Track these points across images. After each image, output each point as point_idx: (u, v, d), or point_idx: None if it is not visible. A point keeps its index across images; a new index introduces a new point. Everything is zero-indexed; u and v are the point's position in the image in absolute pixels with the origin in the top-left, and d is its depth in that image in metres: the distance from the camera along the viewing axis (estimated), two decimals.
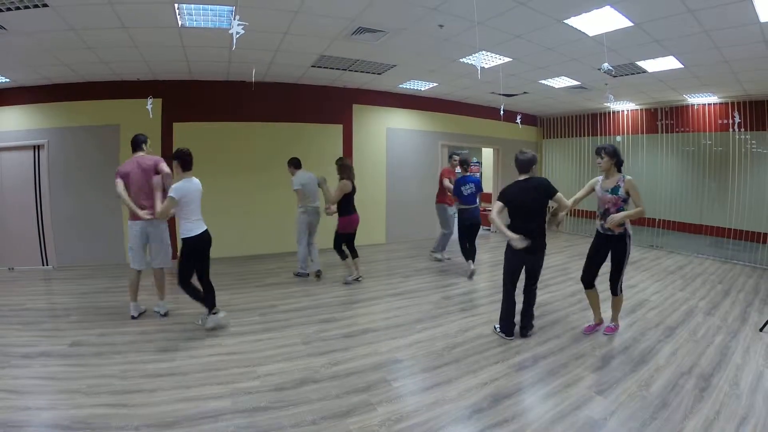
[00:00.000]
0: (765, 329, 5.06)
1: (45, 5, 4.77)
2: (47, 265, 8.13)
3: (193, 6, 5.16)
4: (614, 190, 4.61)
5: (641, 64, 7.47)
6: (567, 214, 4.97)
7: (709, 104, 10.21)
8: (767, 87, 8.49)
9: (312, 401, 3.51)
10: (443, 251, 8.91)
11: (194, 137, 8.49)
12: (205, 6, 5.16)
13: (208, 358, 4.29)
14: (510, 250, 4.70)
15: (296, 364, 4.19)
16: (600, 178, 4.81)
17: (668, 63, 7.30)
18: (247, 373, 3.99)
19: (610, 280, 4.90)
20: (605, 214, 4.71)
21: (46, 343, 4.58)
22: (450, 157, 8.78)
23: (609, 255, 4.87)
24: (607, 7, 5.17)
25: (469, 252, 7.70)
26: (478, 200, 7.77)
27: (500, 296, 5.40)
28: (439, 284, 7.16)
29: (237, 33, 3.94)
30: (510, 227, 4.61)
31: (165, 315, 5.50)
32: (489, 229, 13.39)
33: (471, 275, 7.55)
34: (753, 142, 9.57)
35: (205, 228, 4.99)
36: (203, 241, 4.97)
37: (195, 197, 4.89)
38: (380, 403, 3.49)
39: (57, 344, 4.55)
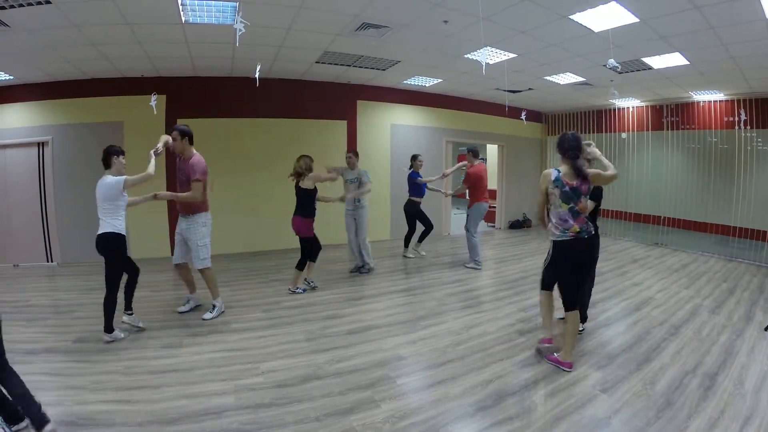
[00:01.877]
0: None
1: (48, 2, 4.78)
2: (51, 261, 8.15)
3: (196, 2, 5.15)
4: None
5: (647, 60, 7.43)
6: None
7: (715, 101, 10.16)
8: None
9: (315, 398, 3.51)
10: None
11: (198, 133, 8.38)
12: (209, 2, 5.16)
13: (212, 355, 4.30)
14: None
15: (299, 361, 4.19)
16: (556, 173, 4.03)
17: (674, 59, 7.26)
18: (250, 370, 3.99)
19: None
20: (575, 211, 3.94)
21: (51, 339, 4.60)
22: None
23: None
24: (613, 3, 5.15)
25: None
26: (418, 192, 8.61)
27: (505, 293, 5.44)
28: (443, 281, 7.16)
29: (240, 30, 3.92)
30: None
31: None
32: (493, 226, 13.38)
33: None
34: (759, 140, 9.51)
35: None
36: None
37: None
38: (384, 401, 3.48)
39: (61, 341, 4.57)
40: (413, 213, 8.65)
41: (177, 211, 5.46)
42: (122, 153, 4.77)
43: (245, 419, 3.20)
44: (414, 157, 8.59)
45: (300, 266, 6.48)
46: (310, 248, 6.45)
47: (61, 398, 3.42)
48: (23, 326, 4.94)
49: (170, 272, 6.89)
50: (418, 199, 8.62)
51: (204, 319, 5.26)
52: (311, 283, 6.65)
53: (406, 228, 8.89)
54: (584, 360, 4.26)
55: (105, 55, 6.79)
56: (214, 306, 5.43)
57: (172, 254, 5.64)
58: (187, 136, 5.21)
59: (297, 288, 6.45)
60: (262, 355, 4.30)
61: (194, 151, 5.27)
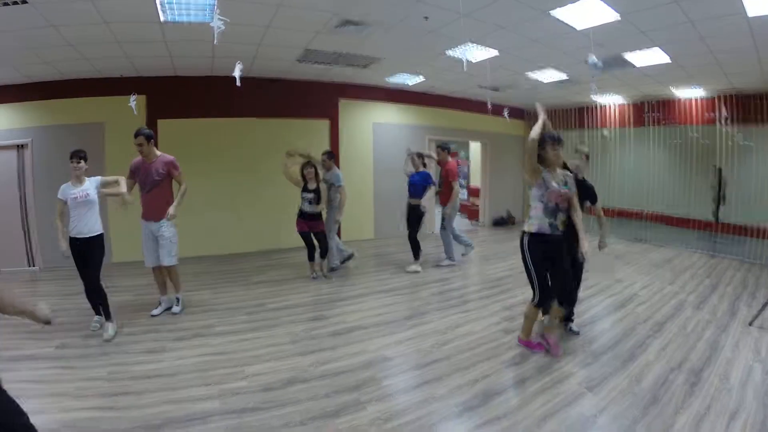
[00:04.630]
0: (754, 323, 5.10)
1: (24, 2, 4.67)
2: (33, 266, 8.01)
3: (174, 0, 5.08)
4: (566, 184, 4.15)
5: (628, 57, 7.45)
6: None
7: (696, 98, 10.24)
8: (754, 80, 8.50)
9: (301, 401, 3.48)
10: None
11: (179, 134, 8.42)
12: (187, 0, 5.10)
13: (196, 359, 4.25)
14: None
15: (284, 364, 4.16)
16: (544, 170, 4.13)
17: (655, 56, 7.29)
18: (235, 374, 3.95)
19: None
20: (556, 211, 4.10)
21: (34, 345, 4.50)
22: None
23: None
24: None
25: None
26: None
27: (489, 291, 5.46)
28: (428, 280, 7.15)
29: (218, 28, 3.88)
30: None
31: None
32: (477, 223, 13.42)
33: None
34: (740, 135, 9.61)
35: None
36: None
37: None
38: (370, 402, 3.46)
39: (44, 347, 4.48)
40: (408, 215, 7.95)
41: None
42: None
43: (230, 424, 3.17)
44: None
45: (312, 257, 7.11)
46: (324, 239, 7.04)
47: (45, 406, 3.36)
48: (5, 333, 4.83)
49: (151, 276, 6.81)
50: (414, 201, 7.91)
51: (174, 314, 5.49)
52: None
53: (392, 225, 8.80)
54: (570, 358, 4.28)
55: (84, 56, 6.67)
56: (178, 299, 5.65)
57: None
58: (152, 139, 5.38)
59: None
60: (247, 359, 4.26)
61: (158, 152, 5.44)
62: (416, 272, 7.62)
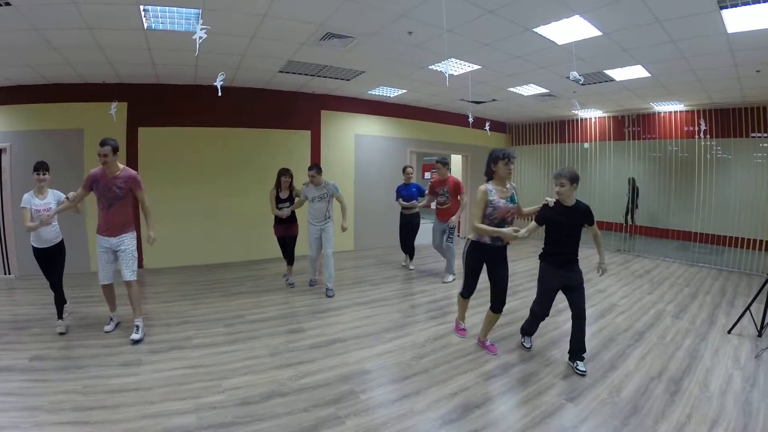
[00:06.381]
0: (733, 331, 5.16)
1: (7, 4, 4.63)
2: (9, 274, 7.87)
3: (159, 8, 5.06)
4: (512, 199, 4.47)
5: (609, 72, 7.55)
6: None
7: (676, 112, 10.42)
8: (733, 95, 8.68)
9: (279, 415, 3.43)
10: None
11: (160, 142, 8.36)
12: (171, 8, 5.07)
13: (172, 372, 4.17)
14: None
15: (262, 377, 4.10)
16: (491, 187, 4.48)
17: (636, 72, 7.40)
18: (211, 387, 3.89)
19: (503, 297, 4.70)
20: (502, 224, 4.38)
21: (7, 357, 4.39)
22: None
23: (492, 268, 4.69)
24: (577, 17, 5.22)
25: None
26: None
27: (469, 303, 5.41)
28: (408, 292, 7.15)
29: (200, 38, 3.85)
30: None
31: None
32: (459, 236, 13.43)
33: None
34: (718, 148, 9.81)
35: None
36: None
37: None
38: (349, 416, 3.42)
39: (18, 358, 4.38)
40: (402, 224, 8.52)
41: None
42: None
43: None
44: (403, 169, 8.40)
45: (292, 261, 7.47)
46: (293, 246, 7.36)
47: (18, 420, 3.27)
48: None
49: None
50: (406, 211, 8.36)
51: (135, 341, 4.88)
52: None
53: (372, 237, 8.80)
54: (549, 369, 4.29)
55: (66, 60, 6.61)
56: (138, 327, 5.04)
57: None
58: (118, 150, 4.94)
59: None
60: (225, 372, 4.20)
61: (121, 165, 5.05)
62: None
